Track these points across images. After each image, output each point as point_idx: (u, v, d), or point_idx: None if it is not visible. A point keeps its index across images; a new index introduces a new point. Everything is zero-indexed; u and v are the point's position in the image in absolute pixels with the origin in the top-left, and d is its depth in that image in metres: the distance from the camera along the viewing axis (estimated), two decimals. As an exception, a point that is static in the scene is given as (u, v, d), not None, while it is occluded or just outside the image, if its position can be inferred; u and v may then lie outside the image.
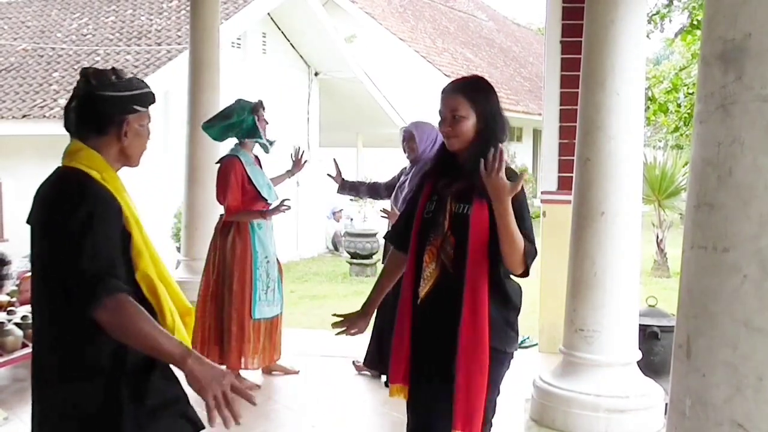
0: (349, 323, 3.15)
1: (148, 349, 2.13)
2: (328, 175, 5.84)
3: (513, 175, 2.87)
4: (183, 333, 2.33)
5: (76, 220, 2.16)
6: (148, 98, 2.40)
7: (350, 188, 5.83)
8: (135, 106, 2.36)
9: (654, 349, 4.74)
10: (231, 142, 5.43)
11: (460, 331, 2.85)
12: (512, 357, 3.04)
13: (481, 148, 2.88)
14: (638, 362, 3.96)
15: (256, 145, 5.38)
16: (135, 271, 2.25)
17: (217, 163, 5.32)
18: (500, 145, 2.79)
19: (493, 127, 2.95)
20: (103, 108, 2.32)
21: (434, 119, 3.20)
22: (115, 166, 2.38)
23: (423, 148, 5.22)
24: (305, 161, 5.94)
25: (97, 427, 2.22)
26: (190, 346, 2.29)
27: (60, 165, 2.37)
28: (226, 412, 2.06)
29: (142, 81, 2.41)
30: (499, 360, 2.94)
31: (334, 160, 5.85)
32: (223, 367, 5.12)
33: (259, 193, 5.23)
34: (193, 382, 2.08)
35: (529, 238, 2.87)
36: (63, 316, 2.22)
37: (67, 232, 2.15)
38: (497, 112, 2.99)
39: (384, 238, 3.41)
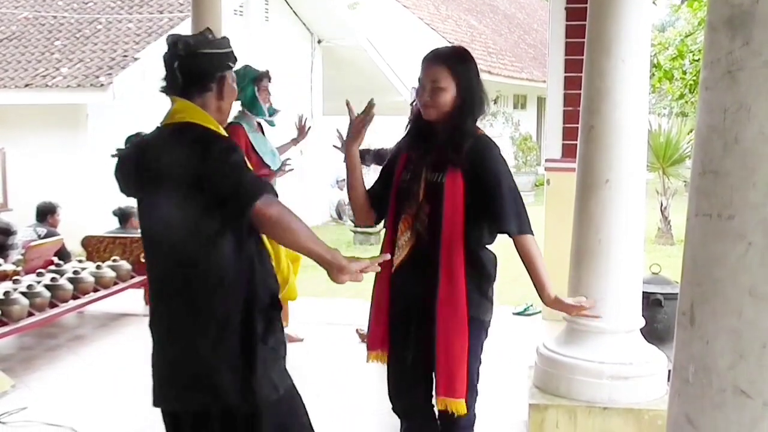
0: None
1: (306, 243, 2.36)
2: (333, 146, 5.82)
3: (484, 143, 2.95)
4: (291, 276, 2.59)
5: (230, 155, 2.36)
6: (235, 56, 2.56)
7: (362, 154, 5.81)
8: (229, 63, 2.51)
9: (657, 317, 4.75)
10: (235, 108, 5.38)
11: (437, 299, 2.88)
12: (489, 326, 3.04)
13: (458, 122, 2.93)
14: (641, 329, 3.98)
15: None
16: None
17: None
18: None
19: (471, 101, 2.94)
20: (206, 65, 2.45)
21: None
22: None
23: None
24: (309, 128, 5.92)
25: (232, 364, 2.37)
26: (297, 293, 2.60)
27: (167, 123, 2.48)
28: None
29: (228, 39, 2.58)
30: (477, 328, 2.95)
31: (338, 130, 5.83)
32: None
33: (262, 160, 5.21)
34: (338, 271, 2.37)
35: (510, 216, 2.87)
36: (196, 266, 2.39)
37: (221, 162, 2.33)
38: (477, 85, 2.97)
39: None
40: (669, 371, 3.14)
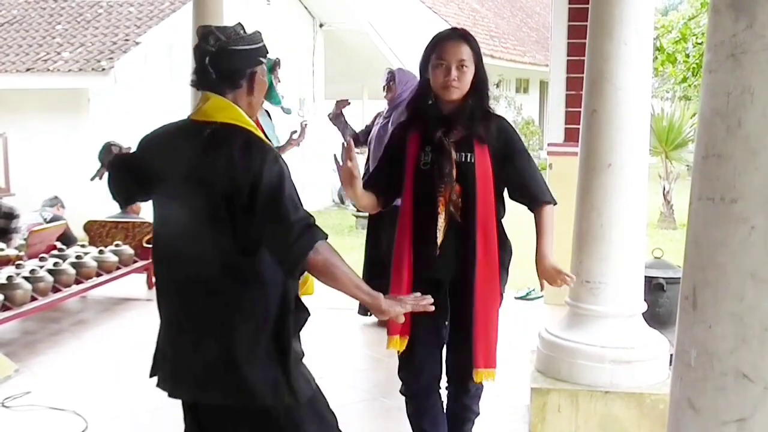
0: None
1: (350, 289, 2.36)
2: (337, 102, 5.99)
3: (506, 122, 3.11)
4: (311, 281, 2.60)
5: (275, 175, 2.29)
6: (266, 50, 2.50)
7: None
8: (260, 58, 2.46)
9: (659, 301, 4.75)
10: None
11: (476, 277, 2.95)
12: None
13: (483, 100, 3.04)
14: (644, 314, 3.98)
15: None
16: None
17: None
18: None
19: (486, 79, 3.04)
20: (237, 62, 2.40)
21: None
22: None
23: (400, 91, 5.50)
24: (306, 124, 6.12)
25: (269, 363, 2.37)
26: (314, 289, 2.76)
27: (204, 120, 2.38)
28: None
29: (260, 34, 2.49)
30: (501, 301, 3.15)
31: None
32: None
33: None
34: (378, 312, 2.45)
35: (543, 188, 3.12)
36: (235, 267, 2.34)
37: (270, 186, 2.27)
38: (483, 65, 3.08)
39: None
40: (671, 355, 3.14)
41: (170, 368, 2.48)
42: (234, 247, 2.31)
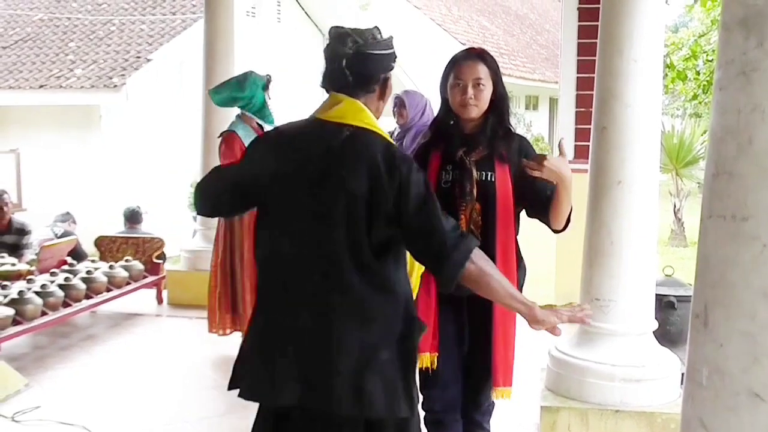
0: None
1: (505, 299, 2.32)
2: None
3: (527, 140, 3.14)
4: (416, 276, 2.50)
5: (422, 185, 2.26)
6: (396, 56, 2.45)
7: None
8: (392, 64, 2.41)
9: (670, 319, 4.72)
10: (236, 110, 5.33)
11: None
12: None
13: (502, 118, 3.06)
14: (654, 332, 3.96)
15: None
16: None
17: (218, 137, 5.28)
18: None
19: (505, 97, 3.06)
20: (374, 66, 2.35)
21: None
22: None
23: (413, 115, 5.53)
24: None
25: (393, 371, 2.29)
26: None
27: (339, 123, 2.32)
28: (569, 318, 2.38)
29: (393, 39, 2.44)
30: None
31: None
32: (238, 334, 5.16)
33: None
34: (534, 323, 2.34)
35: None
36: (366, 270, 2.26)
37: (418, 196, 2.23)
38: (503, 82, 3.09)
39: None
40: (682, 374, 3.12)
41: (272, 372, 2.31)
42: (368, 249, 2.24)
